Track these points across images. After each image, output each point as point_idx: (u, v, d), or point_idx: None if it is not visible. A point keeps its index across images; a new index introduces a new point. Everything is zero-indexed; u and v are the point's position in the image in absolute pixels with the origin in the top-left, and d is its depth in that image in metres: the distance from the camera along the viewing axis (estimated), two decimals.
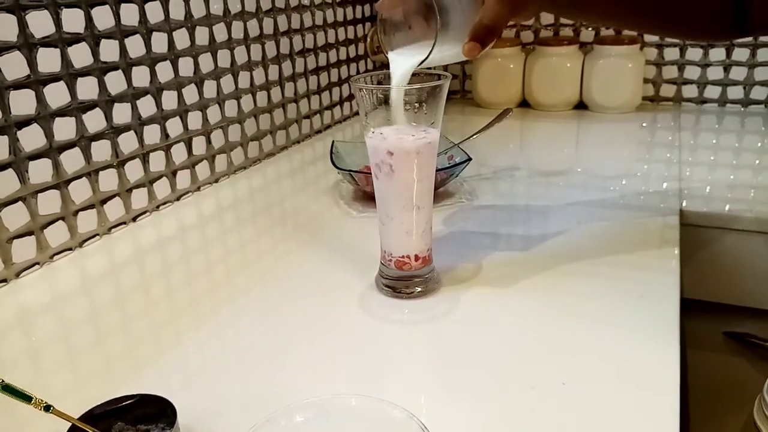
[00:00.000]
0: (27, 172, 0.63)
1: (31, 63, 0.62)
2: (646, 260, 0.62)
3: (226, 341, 0.52)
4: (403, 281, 0.55)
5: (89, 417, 0.37)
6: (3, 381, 0.36)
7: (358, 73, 1.29)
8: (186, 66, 0.82)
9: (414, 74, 0.53)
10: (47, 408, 0.37)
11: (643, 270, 0.60)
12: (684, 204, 0.76)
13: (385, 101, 0.51)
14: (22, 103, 0.61)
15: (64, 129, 0.66)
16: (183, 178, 0.84)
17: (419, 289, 0.55)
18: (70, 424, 0.37)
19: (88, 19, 0.67)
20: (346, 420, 0.35)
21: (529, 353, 0.48)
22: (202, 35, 0.85)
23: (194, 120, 0.85)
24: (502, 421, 0.41)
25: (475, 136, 0.89)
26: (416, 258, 0.55)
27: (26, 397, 0.36)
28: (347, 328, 0.52)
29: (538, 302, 0.55)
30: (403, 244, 0.54)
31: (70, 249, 0.68)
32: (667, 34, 0.68)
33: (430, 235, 0.56)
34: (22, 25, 0.61)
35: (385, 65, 0.54)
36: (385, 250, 0.56)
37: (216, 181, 0.91)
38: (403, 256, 0.54)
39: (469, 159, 0.78)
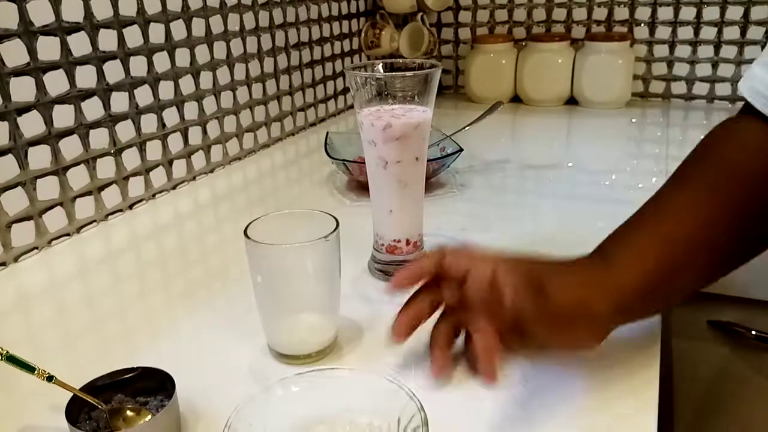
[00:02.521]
0: (26, 157, 0.64)
1: (32, 51, 0.63)
2: None
3: (222, 325, 0.53)
4: (395, 265, 0.57)
5: (91, 388, 0.39)
6: (7, 352, 0.37)
7: None
8: (182, 57, 0.84)
9: (407, 68, 0.54)
10: (50, 378, 0.38)
11: None
12: None
13: (378, 90, 0.52)
14: (23, 89, 0.62)
15: (63, 116, 0.67)
16: (179, 167, 0.85)
17: None
18: (71, 395, 0.38)
19: (87, 9, 0.69)
20: (339, 390, 0.37)
21: None
22: (198, 27, 0.86)
23: (190, 110, 0.86)
24: (488, 392, 0.42)
25: (466, 128, 0.90)
26: (407, 243, 0.56)
27: (29, 368, 0.38)
28: (342, 310, 0.53)
29: None
30: (395, 229, 0.56)
31: (68, 234, 0.70)
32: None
33: (421, 221, 0.57)
34: (23, 13, 0.62)
35: (378, 58, 0.55)
36: (377, 234, 0.57)
37: (211, 170, 0.92)
38: (395, 240, 0.56)
39: (461, 150, 0.80)
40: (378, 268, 0.58)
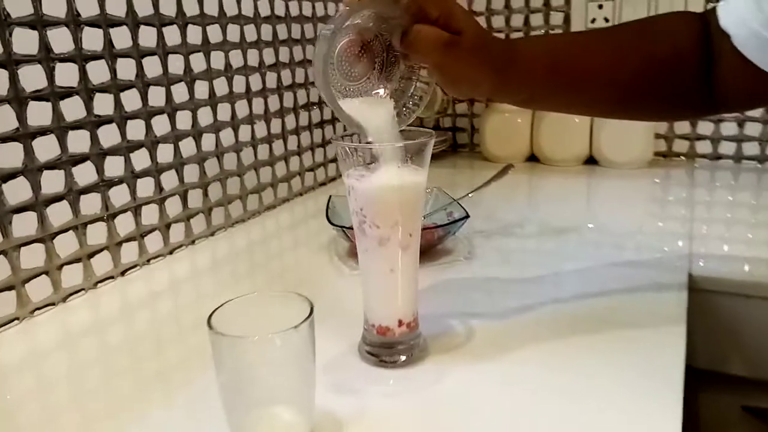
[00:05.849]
0: (10, 224, 0.61)
1: (21, 117, 0.61)
2: (652, 327, 0.58)
3: (215, 401, 0.48)
4: (386, 348, 0.52)
5: None
6: None
7: None
8: (184, 119, 0.82)
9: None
10: None
11: (648, 338, 0.56)
12: (700, 264, 0.72)
13: (370, 159, 0.49)
14: (10, 155, 0.61)
15: (53, 182, 0.65)
16: (177, 232, 0.83)
17: (403, 358, 0.52)
18: None
19: (82, 73, 0.67)
20: None
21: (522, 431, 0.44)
22: (201, 89, 0.85)
23: (191, 173, 0.84)
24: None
25: (470, 195, 0.86)
26: (400, 324, 0.51)
27: None
28: (322, 400, 0.48)
29: (533, 374, 0.51)
30: (386, 309, 0.51)
31: (53, 304, 0.67)
32: (631, 118, 0.72)
33: (415, 298, 0.53)
34: (14, 79, 0.61)
35: None
36: (367, 313, 0.53)
37: (212, 234, 0.89)
38: (386, 321, 0.51)
39: (467, 216, 0.75)
40: (368, 350, 0.53)
